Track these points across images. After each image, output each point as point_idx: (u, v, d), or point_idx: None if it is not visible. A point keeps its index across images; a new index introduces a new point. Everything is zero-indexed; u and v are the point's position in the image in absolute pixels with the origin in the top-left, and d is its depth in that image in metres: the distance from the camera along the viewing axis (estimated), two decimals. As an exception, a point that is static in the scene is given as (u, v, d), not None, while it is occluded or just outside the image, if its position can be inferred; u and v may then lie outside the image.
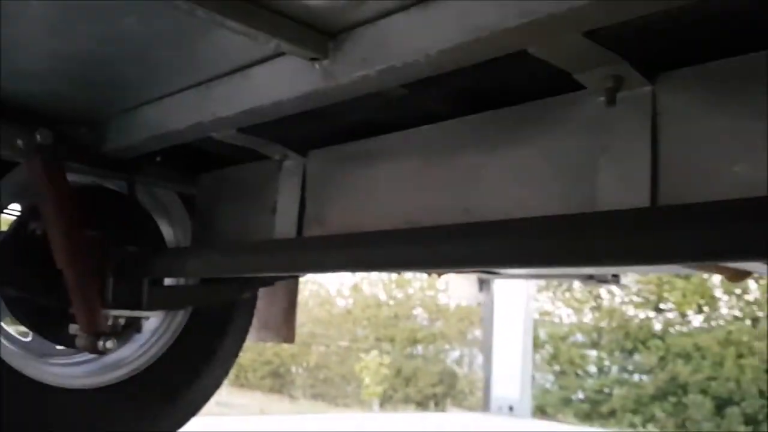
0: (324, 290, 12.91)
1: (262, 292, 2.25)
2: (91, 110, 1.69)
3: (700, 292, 9.04)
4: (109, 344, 1.72)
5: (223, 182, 1.99)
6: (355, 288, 12.71)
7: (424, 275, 3.94)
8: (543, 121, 1.22)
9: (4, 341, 1.78)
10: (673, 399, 8.61)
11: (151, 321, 2.04)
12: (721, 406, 8.27)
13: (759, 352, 8.10)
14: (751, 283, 8.36)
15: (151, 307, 1.81)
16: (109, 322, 1.75)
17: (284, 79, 1.27)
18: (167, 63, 1.42)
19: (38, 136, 1.65)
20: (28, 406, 1.80)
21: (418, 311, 12.23)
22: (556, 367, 10.23)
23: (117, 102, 1.64)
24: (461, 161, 1.35)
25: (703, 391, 8.38)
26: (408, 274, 10.23)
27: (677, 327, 9.32)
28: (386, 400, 10.93)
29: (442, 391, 10.88)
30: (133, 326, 1.83)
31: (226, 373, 2.23)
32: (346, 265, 1.40)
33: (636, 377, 9.41)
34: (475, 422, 6.97)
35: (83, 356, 1.97)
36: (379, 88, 1.19)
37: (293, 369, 12.15)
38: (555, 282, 9.40)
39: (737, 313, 8.93)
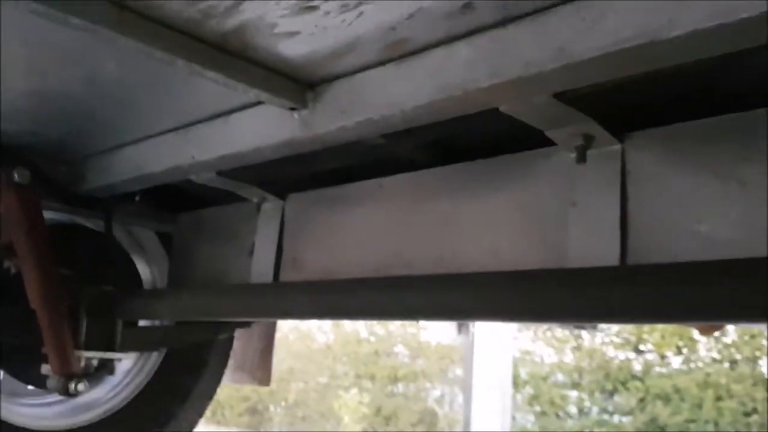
0: (304, 324, 12.78)
1: (238, 333, 2.23)
2: (70, 150, 1.69)
3: (678, 334, 9.05)
4: (80, 387, 1.69)
5: (201, 222, 1.99)
6: (336, 323, 12.59)
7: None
8: (516, 174, 1.23)
9: (-27, 381, 1.76)
10: (652, 441, 8.58)
11: (124, 362, 2.01)
12: (700, 449, 8.26)
13: (737, 395, 8.11)
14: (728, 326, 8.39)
15: (124, 349, 1.79)
16: (82, 364, 1.73)
17: (263, 127, 1.29)
18: (147, 106, 1.43)
19: (15, 175, 1.65)
20: (-4, 447, 1.77)
21: (399, 348, 12.13)
22: (537, 408, 10.16)
23: (96, 142, 1.65)
24: (436, 210, 1.36)
25: (683, 434, 8.37)
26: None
27: (657, 368, 9.32)
28: (365, 439, 10.80)
29: (422, 431, 10.76)
30: (107, 367, 1.81)
31: (200, 415, 2.20)
32: (321, 312, 1.40)
33: (616, 419, 9.37)
34: (454, 463, 6.89)
35: (54, 397, 1.94)
36: (356, 138, 1.21)
37: (271, 407, 11.97)
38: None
39: (716, 355, 8.96)
